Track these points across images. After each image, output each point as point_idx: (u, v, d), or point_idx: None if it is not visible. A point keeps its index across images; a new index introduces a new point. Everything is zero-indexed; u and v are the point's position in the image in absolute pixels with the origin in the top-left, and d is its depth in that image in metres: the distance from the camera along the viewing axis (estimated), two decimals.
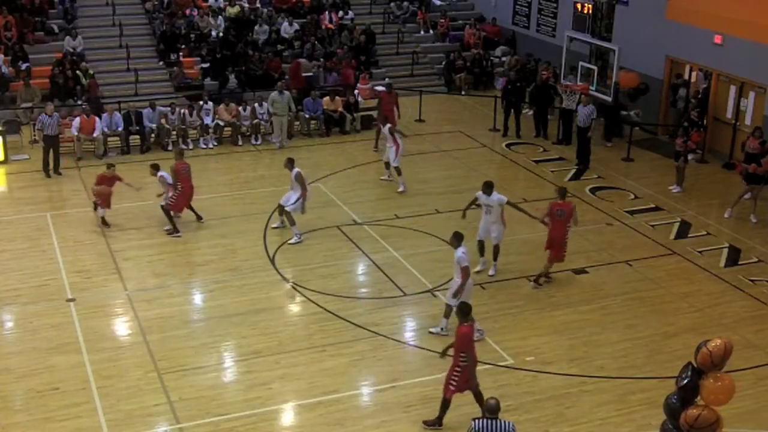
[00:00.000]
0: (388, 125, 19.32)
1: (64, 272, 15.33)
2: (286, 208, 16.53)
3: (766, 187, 18.33)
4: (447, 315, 13.45)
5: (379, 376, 12.55)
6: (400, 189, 19.11)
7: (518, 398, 11.90)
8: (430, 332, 13.54)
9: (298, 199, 16.43)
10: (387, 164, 19.50)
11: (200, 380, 12.28)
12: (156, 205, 18.08)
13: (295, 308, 14.60)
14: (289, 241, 16.48)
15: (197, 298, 14.94)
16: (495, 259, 15.52)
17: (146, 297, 14.56)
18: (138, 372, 12.41)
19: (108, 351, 12.95)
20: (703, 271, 15.99)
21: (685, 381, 9.35)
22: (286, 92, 22.44)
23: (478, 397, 11.19)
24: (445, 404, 11.17)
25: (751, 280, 15.63)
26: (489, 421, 9.25)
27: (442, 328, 13.49)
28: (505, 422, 9.28)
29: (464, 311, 11.15)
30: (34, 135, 21.90)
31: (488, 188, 15.26)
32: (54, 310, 14.07)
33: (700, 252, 16.72)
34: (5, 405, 11.68)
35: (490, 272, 15.45)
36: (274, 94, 22.31)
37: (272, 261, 15.90)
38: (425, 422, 11.33)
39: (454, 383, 11.05)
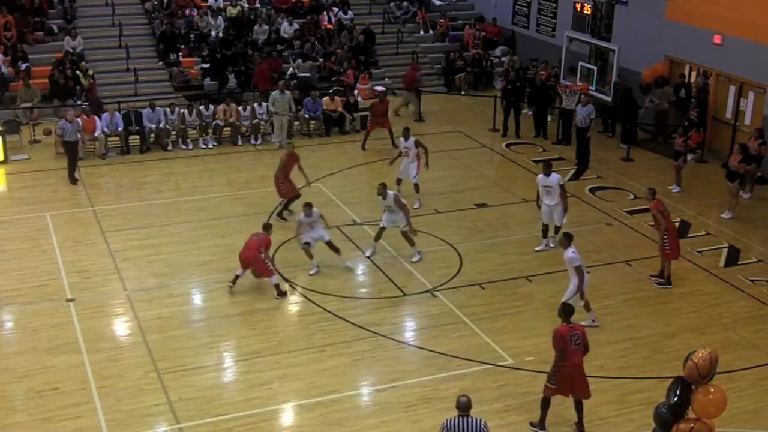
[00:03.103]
0: (413, 138, 18.31)
1: (64, 272, 15.33)
2: (402, 229, 15.86)
3: (766, 187, 18.36)
4: (588, 308, 13.73)
5: (379, 376, 12.55)
6: (416, 206, 18.10)
7: (518, 398, 11.90)
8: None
9: (406, 218, 15.75)
10: (399, 180, 18.51)
11: (200, 380, 12.28)
12: (153, 205, 18.23)
13: (294, 308, 14.61)
14: (412, 260, 15.89)
15: (197, 298, 14.93)
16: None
17: (146, 297, 14.56)
18: (138, 372, 12.41)
19: (108, 351, 12.95)
20: (702, 271, 15.99)
21: (675, 399, 9.32)
22: (287, 92, 22.43)
23: (578, 405, 11.22)
24: (544, 403, 11.14)
25: (751, 280, 15.63)
26: (460, 419, 9.24)
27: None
28: (476, 420, 9.29)
29: (566, 312, 11.18)
30: (34, 135, 21.91)
31: (548, 168, 15.92)
32: (54, 310, 14.07)
33: (699, 252, 16.72)
34: (5, 405, 11.68)
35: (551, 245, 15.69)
36: (274, 93, 22.30)
37: (272, 261, 15.88)
38: (531, 423, 11.33)
39: (552, 383, 11.01)
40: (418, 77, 25.44)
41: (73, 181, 19.44)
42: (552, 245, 16.11)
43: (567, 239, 13.49)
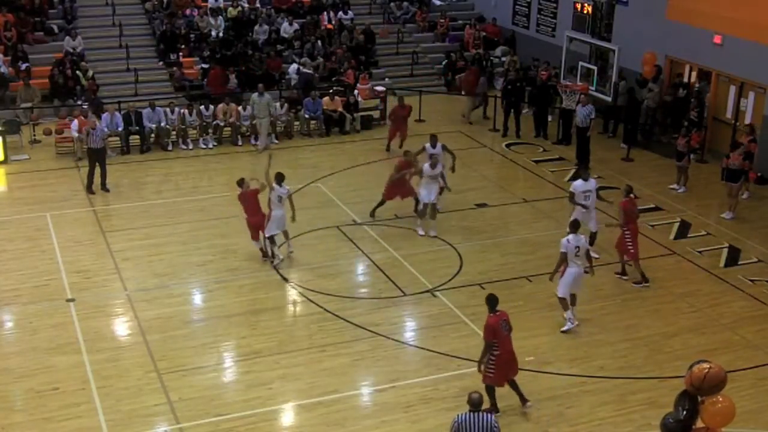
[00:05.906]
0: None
1: (64, 272, 15.33)
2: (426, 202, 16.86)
3: (766, 187, 18.36)
4: (565, 308, 13.69)
5: (379, 376, 12.55)
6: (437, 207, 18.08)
7: (518, 398, 11.87)
8: (562, 332, 13.55)
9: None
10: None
11: (200, 380, 12.28)
12: (153, 205, 18.20)
13: (294, 308, 14.61)
14: (431, 234, 16.85)
15: (197, 298, 14.94)
16: (591, 244, 15.41)
17: (146, 297, 14.56)
18: (138, 372, 12.40)
19: (108, 351, 12.95)
20: (702, 271, 15.99)
21: (684, 413, 9.27)
22: (266, 94, 22.20)
23: (513, 384, 11.54)
24: (488, 390, 11.37)
25: (751, 280, 15.63)
26: (471, 415, 9.32)
27: (569, 321, 13.69)
28: (486, 415, 9.36)
29: (491, 302, 11.41)
30: (34, 135, 21.90)
31: (582, 172, 16.09)
32: (54, 310, 14.07)
33: (699, 252, 16.72)
34: (5, 405, 11.68)
35: (594, 255, 15.42)
36: (254, 95, 22.06)
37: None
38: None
39: (491, 372, 11.27)
40: (483, 82, 25.21)
41: (92, 191, 18.90)
42: (595, 255, 15.69)
43: (572, 227, 13.56)
